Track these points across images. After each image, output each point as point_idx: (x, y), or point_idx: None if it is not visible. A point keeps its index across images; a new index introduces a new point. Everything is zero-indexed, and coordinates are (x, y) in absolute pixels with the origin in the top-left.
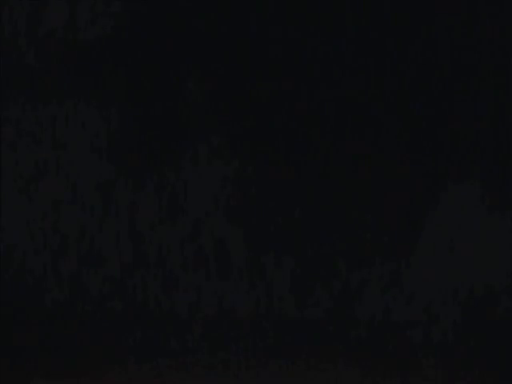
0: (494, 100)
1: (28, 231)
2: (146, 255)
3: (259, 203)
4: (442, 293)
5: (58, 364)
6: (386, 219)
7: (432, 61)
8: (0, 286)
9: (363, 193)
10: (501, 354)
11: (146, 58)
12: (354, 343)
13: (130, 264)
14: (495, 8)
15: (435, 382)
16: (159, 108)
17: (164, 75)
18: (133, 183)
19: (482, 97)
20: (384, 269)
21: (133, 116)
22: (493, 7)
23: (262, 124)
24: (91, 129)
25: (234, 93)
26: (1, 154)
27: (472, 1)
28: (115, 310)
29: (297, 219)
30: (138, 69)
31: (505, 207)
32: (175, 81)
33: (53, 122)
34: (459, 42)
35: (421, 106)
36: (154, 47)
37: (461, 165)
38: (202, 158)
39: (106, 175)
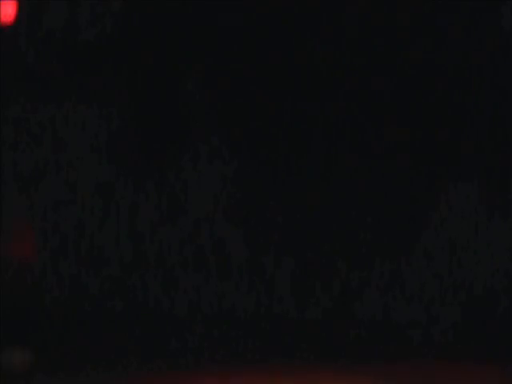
0: (493, 102)
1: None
2: (145, 255)
3: (259, 203)
4: (441, 293)
5: (58, 363)
6: (386, 219)
7: (433, 63)
8: (0, 286)
9: (363, 193)
10: (500, 354)
11: (146, 59)
12: (354, 343)
13: (129, 264)
14: (495, 10)
15: (435, 382)
16: (159, 108)
17: (164, 75)
18: (133, 183)
19: (482, 98)
20: (384, 269)
21: (133, 116)
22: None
23: (262, 124)
24: (91, 129)
25: (234, 93)
26: (1, 154)
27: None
28: (115, 310)
29: (297, 219)
30: (138, 69)
31: (504, 207)
32: (175, 81)
33: (53, 122)
34: (459, 45)
35: (421, 108)
36: (155, 48)
37: (460, 166)
38: (202, 158)
39: (106, 175)
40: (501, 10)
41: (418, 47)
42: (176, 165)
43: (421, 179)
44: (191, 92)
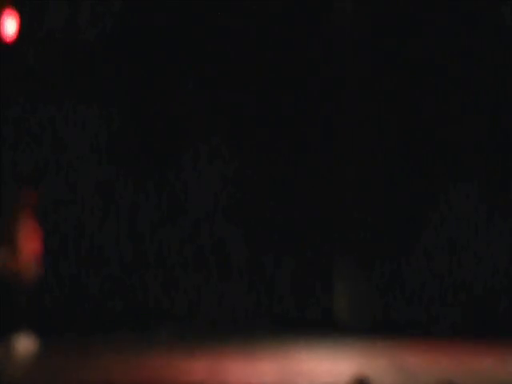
0: (493, 102)
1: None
2: (146, 255)
3: (259, 203)
4: (441, 293)
5: (58, 363)
6: (386, 219)
7: (433, 63)
8: (1, 287)
9: (363, 193)
10: (500, 354)
11: (146, 59)
12: (355, 343)
13: (130, 264)
14: (494, 11)
15: (436, 381)
16: (159, 108)
17: (164, 76)
18: (133, 183)
19: (482, 98)
20: (384, 269)
21: (133, 116)
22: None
23: (262, 124)
24: (91, 129)
25: (234, 94)
26: (1, 154)
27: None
28: (115, 310)
29: (297, 219)
30: (138, 69)
31: (504, 207)
32: (175, 81)
33: (53, 122)
34: (459, 46)
35: (421, 108)
36: (155, 48)
37: (461, 166)
38: (202, 158)
39: (106, 175)
40: (501, 9)
41: (418, 47)
42: (176, 165)
43: (421, 179)
44: (191, 92)
